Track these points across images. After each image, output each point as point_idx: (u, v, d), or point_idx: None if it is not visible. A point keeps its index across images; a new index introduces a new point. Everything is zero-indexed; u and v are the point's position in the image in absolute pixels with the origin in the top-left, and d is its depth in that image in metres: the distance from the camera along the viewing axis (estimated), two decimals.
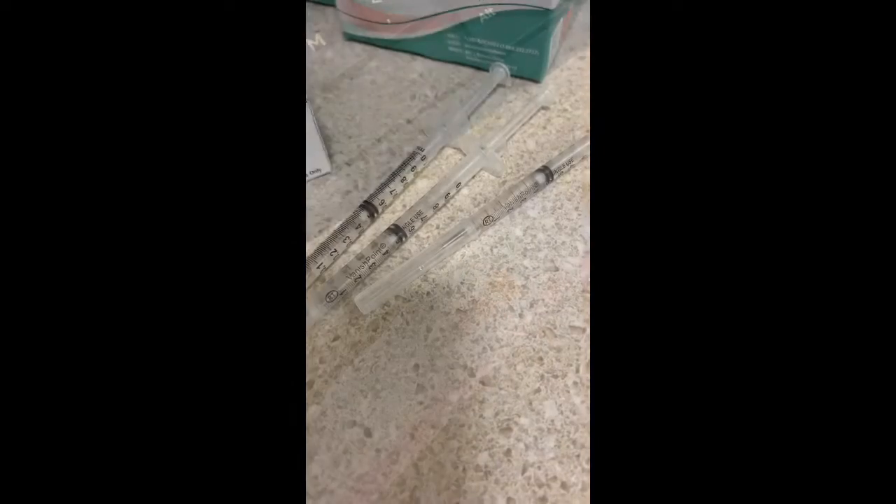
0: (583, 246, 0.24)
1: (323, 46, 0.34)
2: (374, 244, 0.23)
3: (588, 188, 0.26)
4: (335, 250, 0.23)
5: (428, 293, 0.22)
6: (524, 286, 0.22)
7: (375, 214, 0.24)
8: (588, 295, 0.22)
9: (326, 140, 0.28)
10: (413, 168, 0.25)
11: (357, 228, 0.24)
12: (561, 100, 0.30)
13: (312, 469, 0.18)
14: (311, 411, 0.19)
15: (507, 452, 0.19)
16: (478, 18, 0.29)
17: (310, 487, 0.18)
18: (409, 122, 0.29)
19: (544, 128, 0.29)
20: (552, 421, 0.19)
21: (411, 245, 0.24)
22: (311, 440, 0.19)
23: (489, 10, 0.28)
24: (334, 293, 0.21)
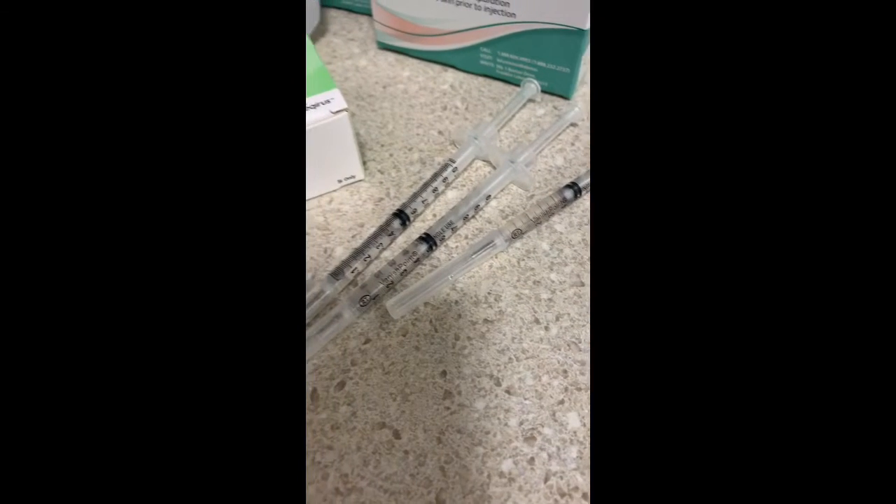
0: None
1: (356, 55, 0.35)
2: (405, 251, 0.24)
3: None
4: (368, 256, 0.24)
5: (456, 302, 0.23)
6: (550, 300, 0.23)
7: (407, 222, 0.25)
8: None
9: (360, 147, 0.29)
10: (445, 179, 0.26)
11: (389, 236, 0.24)
12: (589, 117, 0.31)
13: (343, 467, 0.19)
14: (343, 411, 0.20)
15: (531, 461, 0.19)
16: (511, 34, 0.29)
17: (340, 485, 0.19)
18: (440, 133, 0.30)
19: (572, 144, 0.29)
20: (575, 432, 0.20)
21: (440, 254, 0.25)
22: (343, 439, 0.20)
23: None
24: (367, 297, 0.22)
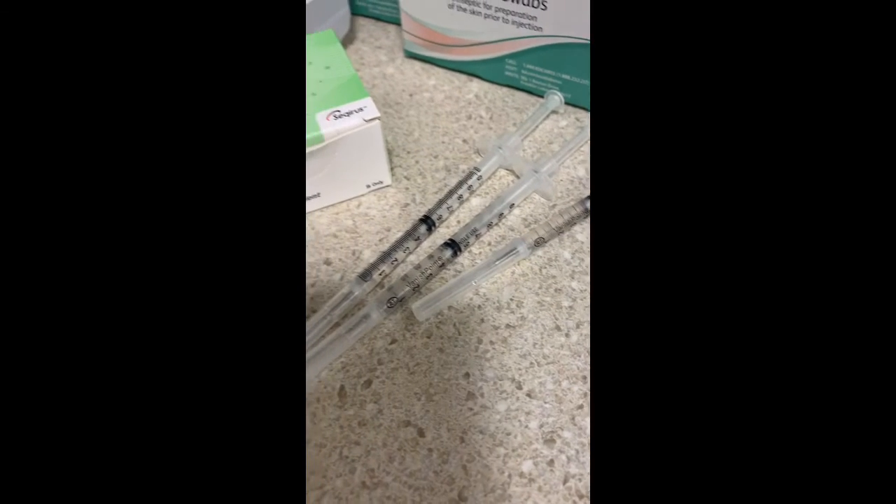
0: None
1: (384, 62, 0.36)
2: (430, 256, 0.24)
3: None
4: (395, 259, 0.24)
5: (479, 306, 0.24)
6: (571, 307, 0.24)
7: (433, 228, 0.26)
8: None
9: (387, 154, 0.30)
10: (470, 187, 0.27)
11: (416, 240, 0.25)
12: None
13: (369, 462, 0.20)
14: (370, 408, 0.21)
15: (550, 463, 0.20)
16: (536, 47, 0.30)
17: (367, 479, 0.19)
18: (464, 141, 0.31)
19: None
20: None
21: (464, 259, 0.25)
22: (369, 435, 0.20)
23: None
24: (394, 299, 0.23)
